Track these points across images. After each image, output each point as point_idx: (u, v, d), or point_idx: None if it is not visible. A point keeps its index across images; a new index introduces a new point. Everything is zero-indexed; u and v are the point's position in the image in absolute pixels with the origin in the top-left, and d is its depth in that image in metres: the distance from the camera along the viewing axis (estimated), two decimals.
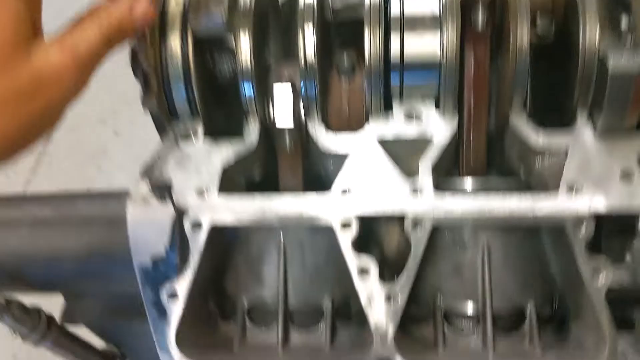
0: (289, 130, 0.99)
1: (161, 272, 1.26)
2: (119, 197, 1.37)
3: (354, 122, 1.05)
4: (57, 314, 1.70)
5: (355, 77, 1.06)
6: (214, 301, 1.08)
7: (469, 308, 1.01)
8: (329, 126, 1.04)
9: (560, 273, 1.01)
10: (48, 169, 4.20)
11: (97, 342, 1.93)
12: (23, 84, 0.76)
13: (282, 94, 1.00)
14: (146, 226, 1.24)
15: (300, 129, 1.02)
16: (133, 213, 1.25)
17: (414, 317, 1.04)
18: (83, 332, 1.81)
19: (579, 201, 0.90)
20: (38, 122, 0.80)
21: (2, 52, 0.75)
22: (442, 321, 1.02)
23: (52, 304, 1.75)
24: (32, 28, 0.79)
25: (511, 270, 1.00)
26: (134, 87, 1.05)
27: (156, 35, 1.02)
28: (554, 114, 1.08)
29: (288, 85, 0.99)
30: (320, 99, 1.03)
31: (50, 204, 1.49)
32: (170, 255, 1.23)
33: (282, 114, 0.98)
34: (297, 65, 1.01)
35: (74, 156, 4.32)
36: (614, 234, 1.02)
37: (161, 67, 1.03)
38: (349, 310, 1.06)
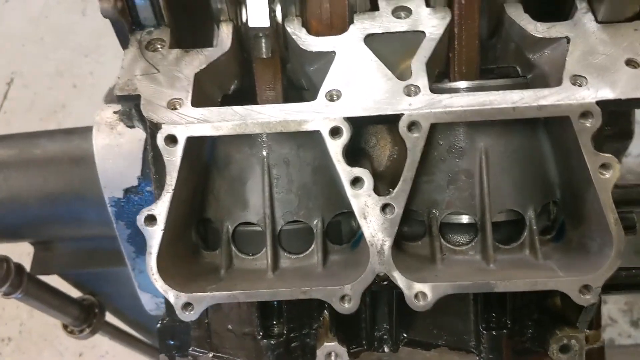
0: (265, 31, 0.89)
1: (135, 203, 1.17)
2: (84, 132, 1.26)
3: (336, 24, 0.96)
4: (26, 265, 1.61)
5: None
6: (196, 231, 1.00)
7: (467, 219, 0.96)
8: (308, 29, 0.95)
9: (560, 178, 0.95)
10: (6, 126, 4.01)
11: (73, 292, 1.85)
12: None
13: None
14: (115, 155, 1.14)
15: (277, 31, 0.92)
16: (100, 141, 1.15)
17: (408, 235, 0.99)
18: (57, 283, 1.73)
19: (584, 92, 0.83)
20: None
21: None
22: (439, 235, 0.96)
23: (21, 254, 1.66)
24: None
25: (510, 176, 0.95)
26: (90, 38, 0.93)
27: None
28: (547, 9, 1.01)
29: None
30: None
31: (10, 145, 1.38)
32: (143, 184, 1.15)
33: (257, 12, 0.88)
34: None
35: (33, 112, 4.13)
36: (607, 138, 0.97)
37: None
38: (339, 233, 0.99)
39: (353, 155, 0.96)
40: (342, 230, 1.01)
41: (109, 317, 1.91)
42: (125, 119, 1.06)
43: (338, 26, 0.95)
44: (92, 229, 1.39)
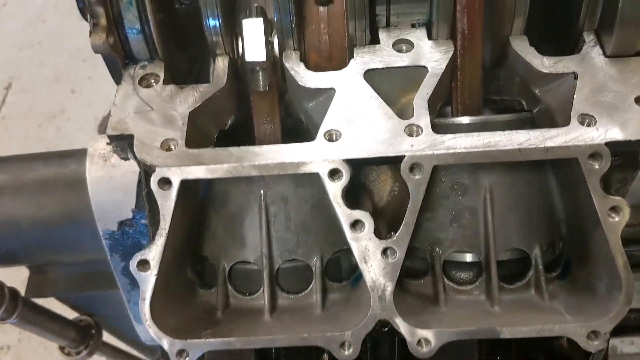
0: (262, 65, 0.86)
1: (129, 236, 1.14)
2: (79, 155, 1.23)
3: (335, 56, 0.93)
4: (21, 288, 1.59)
5: (334, 5, 0.93)
6: (192, 268, 0.97)
7: (471, 257, 0.93)
8: (307, 62, 0.92)
9: (567, 214, 0.93)
10: (5, 132, 3.99)
11: (69, 313, 1.83)
12: None
13: (253, 30, 0.86)
14: (109, 187, 1.11)
15: (275, 63, 0.89)
16: (93, 174, 1.11)
17: (411, 271, 0.96)
18: (53, 305, 1.70)
19: (593, 133, 0.80)
20: None
21: None
22: (442, 274, 0.93)
23: (14, 278, 1.63)
24: None
25: (515, 213, 0.92)
26: (88, 43, 0.90)
27: None
28: (551, 43, 0.98)
29: (259, 21, 0.86)
30: (297, 31, 0.91)
31: (3, 169, 1.35)
32: (138, 217, 1.11)
33: (253, 46, 0.85)
34: None
35: (31, 118, 4.10)
36: (614, 168, 0.94)
37: None
38: (339, 270, 0.96)
39: (353, 189, 0.94)
40: (342, 267, 0.98)
41: (107, 337, 1.89)
42: (119, 151, 1.03)
43: (338, 58, 0.92)
44: (87, 253, 1.36)
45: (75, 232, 1.30)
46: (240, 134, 0.98)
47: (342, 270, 0.97)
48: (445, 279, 0.95)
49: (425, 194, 0.86)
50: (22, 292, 1.58)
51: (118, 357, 1.92)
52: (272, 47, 0.91)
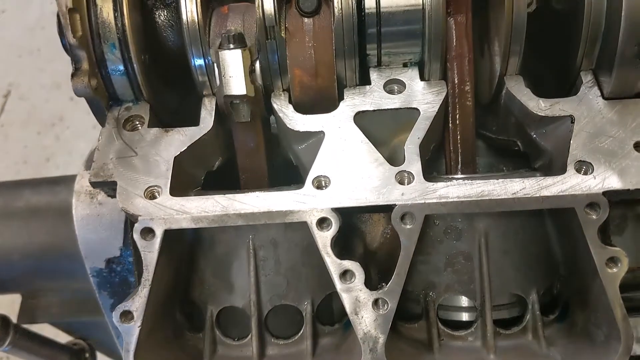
0: (243, 99, 0.83)
1: (117, 273, 1.12)
2: (69, 182, 1.21)
3: (321, 74, 0.88)
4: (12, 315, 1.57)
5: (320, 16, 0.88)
6: (181, 311, 0.95)
7: (466, 303, 0.90)
8: (291, 79, 0.88)
9: (565, 257, 0.90)
10: (4, 140, 3.97)
11: (63, 337, 1.81)
12: None
13: (231, 63, 0.83)
14: (96, 225, 1.08)
15: (257, 94, 0.86)
16: (80, 211, 1.09)
17: (404, 315, 0.93)
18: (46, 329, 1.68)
19: (590, 181, 0.77)
20: None
21: None
22: (436, 319, 0.91)
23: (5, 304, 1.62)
24: None
25: (512, 258, 0.89)
26: None
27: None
28: (549, 83, 0.96)
29: (237, 53, 0.82)
30: (281, 65, 0.88)
31: None
32: (126, 255, 1.09)
33: (233, 81, 0.82)
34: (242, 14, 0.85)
35: (30, 125, 4.08)
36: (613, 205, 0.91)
37: (92, 38, 0.85)
38: (331, 311, 0.94)
39: (344, 231, 0.91)
40: (334, 308, 0.95)
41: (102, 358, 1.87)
42: (106, 188, 1.00)
43: (324, 76, 0.88)
44: (78, 282, 1.34)
45: (65, 262, 1.28)
46: (231, 172, 0.96)
47: (335, 312, 0.95)
48: (440, 324, 0.92)
49: (419, 238, 0.83)
50: (14, 319, 1.56)
51: None
52: (254, 76, 0.87)
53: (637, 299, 0.94)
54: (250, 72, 0.84)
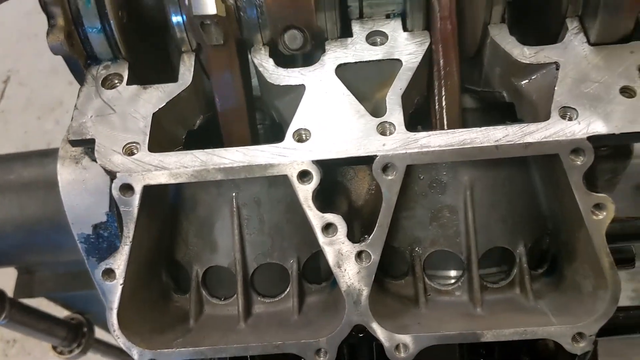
0: (214, 19, 0.79)
1: (105, 239, 1.11)
2: (57, 155, 1.21)
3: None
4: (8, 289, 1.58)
5: None
6: (167, 272, 0.94)
7: (452, 257, 0.89)
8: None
9: (551, 210, 0.89)
10: (4, 126, 3.97)
11: (61, 312, 1.82)
12: None
13: None
14: (81, 191, 1.07)
15: (230, 15, 0.82)
16: (65, 177, 1.08)
17: (390, 272, 0.92)
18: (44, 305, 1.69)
19: (575, 127, 0.76)
20: None
21: None
22: (422, 274, 0.90)
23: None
24: None
25: (498, 211, 0.88)
26: None
27: None
28: (535, 32, 0.93)
29: None
30: (260, 19, 0.86)
31: None
32: (112, 220, 1.08)
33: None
34: None
35: (30, 110, 4.08)
36: (604, 158, 0.90)
37: None
38: (318, 270, 0.93)
39: (329, 188, 0.90)
40: (322, 267, 0.95)
41: (100, 334, 1.88)
42: (91, 152, 0.99)
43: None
44: (71, 254, 1.34)
45: (57, 234, 1.28)
46: (213, 135, 0.95)
47: (322, 270, 0.94)
48: (426, 279, 0.91)
49: (402, 192, 0.82)
50: (10, 294, 1.57)
51: (112, 354, 1.91)
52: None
53: (625, 250, 0.93)
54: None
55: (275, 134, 0.95)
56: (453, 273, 0.91)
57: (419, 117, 0.93)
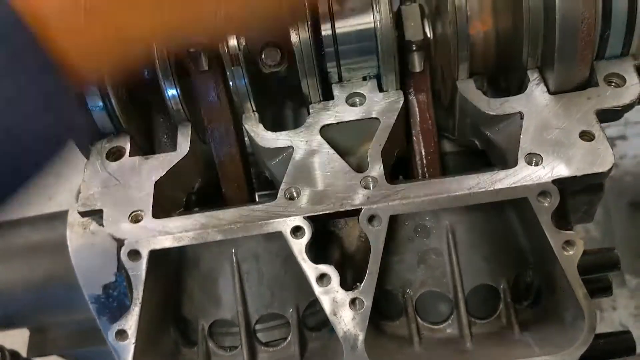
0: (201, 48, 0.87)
1: (114, 298, 1.18)
2: (64, 218, 1.27)
3: None
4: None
5: None
6: (175, 327, 1.00)
7: (441, 297, 0.95)
8: None
9: (530, 247, 0.95)
10: None
11: None
12: None
13: None
14: (91, 254, 1.15)
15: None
16: (74, 242, 1.16)
17: (386, 314, 0.98)
18: None
19: (540, 172, 0.83)
20: None
21: None
22: (415, 314, 0.96)
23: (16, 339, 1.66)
24: None
25: (479, 251, 0.95)
26: None
27: None
28: (504, 83, 1.02)
29: None
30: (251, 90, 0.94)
31: None
32: (120, 280, 1.15)
33: None
34: None
35: None
36: (579, 192, 0.96)
37: None
38: (317, 317, 0.99)
39: (322, 239, 0.97)
40: (321, 315, 1.00)
41: None
42: (98, 218, 1.06)
43: None
44: (82, 313, 1.40)
45: (67, 294, 1.34)
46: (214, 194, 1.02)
47: (320, 317, 1.00)
48: (419, 319, 0.97)
49: (391, 238, 0.89)
50: (24, 354, 1.61)
51: None
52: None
53: (602, 279, 0.99)
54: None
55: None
56: (443, 311, 0.97)
57: (401, 167, 1.01)
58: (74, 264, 1.15)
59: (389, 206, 0.84)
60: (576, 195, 0.96)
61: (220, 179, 0.99)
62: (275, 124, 1.05)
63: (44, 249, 1.36)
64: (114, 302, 1.17)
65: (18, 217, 1.46)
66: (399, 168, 1.01)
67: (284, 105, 1.09)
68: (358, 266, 0.97)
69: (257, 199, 1.09)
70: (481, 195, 0.83)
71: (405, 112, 0.95)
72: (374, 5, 0.91)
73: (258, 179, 1.09)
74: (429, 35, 0.97)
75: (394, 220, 0.88)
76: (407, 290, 0.97)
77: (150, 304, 0.90)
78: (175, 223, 0.86)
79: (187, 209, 1.00)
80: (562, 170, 0.83)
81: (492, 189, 0.83)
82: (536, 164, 0.84)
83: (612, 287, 1.00)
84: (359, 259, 0.99)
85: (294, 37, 0.90)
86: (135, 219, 0.88)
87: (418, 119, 0.99)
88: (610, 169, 0.83)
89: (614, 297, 2.47)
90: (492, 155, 0.95)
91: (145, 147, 1.01)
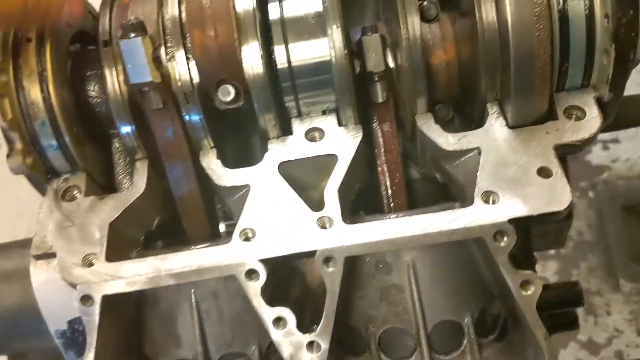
0: (151, 86, 0.85)
1: (80, 332, 1.16)
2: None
3: (220, 32, 0.91)
4: None
5: None
6: None
7: (404, 333, 0.94)
8: (192, 42, 0.90)
9: (494, 280, 0.94)
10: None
11: None
12: None
13: (132, 51, 0.84)
14: (55, 289, 1.12)
15: (164, 79, 0.88)
16: (37, 278, 1.14)
17: (350, 349, 0.97)
18: None
19: (496, 211, 0.81)
20: None
21: None
22: (377, 351, 0.95)
23: None
24: None
25: (441, 286, 0.93)
26: None
27: (10, 83, 0.90)
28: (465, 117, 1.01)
29: (137, 41, 0.84)
30: (209, 130, 0.93)
31: None
32: None
33: (136, 68, 0.83)
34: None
35: (23, 178, 4.15)
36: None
37: (23, 118, 0.91)
38: (280, 354, 0.98)
39: (285, 274, 0.95)
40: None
41: None
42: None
43: (223, 34, 0.90)
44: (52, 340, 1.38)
45: (40, 322, 1.32)
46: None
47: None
48: (383, 355, 0.96)
49: (352, 274, 0.88)
50: None
51: None
52: (160, 62, 0.89)
53: (568, 312, 0.98)
54: (154, 59, 0.86)
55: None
56: (407, 347, 0.96)
57: (364, 197, 1.00)
58: (37, 300, 1.13)
59: (344, 247, 0.83)
60: (543, 224, 0.95)
61: (181, 215, 0.97)
62: (240, 157, 1.03)
63: (15, 276, 1.34)
64: (79, 336, 1.15)
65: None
66: (363, 196, 0.99)
67: (248, 137, 1.07)
68: (320, 302, 0.96)
69: (222, 229, 1.08)
70: (437, 236, 0.82)
71: (366, 146, 0.94)
72: (329, 38, 0.89)
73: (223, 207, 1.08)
74: (390, 65, 0.95)
75: (354, 257, 0.87)
76: (370, 327, 0.95)
77: (108, 346, 0.89)
78: (128, 267, 0.85)
79: (148, 243, 0.99)
80: (519, 210, 0.82)
81: (447, 229, 0.81)
82: (493, 202, 0.83)
83: (578, 320, 0.99)
84: (321, 295, 0.97)
85: (248, 72, 0.89)
86: (89, 262, 0.87)
87: (382, 149, 0.97)
88: (568, 207, 0.82)
89: (608, 301, 2.46)
90: (452, 189, 0.94)
91: (104, 181, 0.99)
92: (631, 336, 3.16)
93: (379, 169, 0.98)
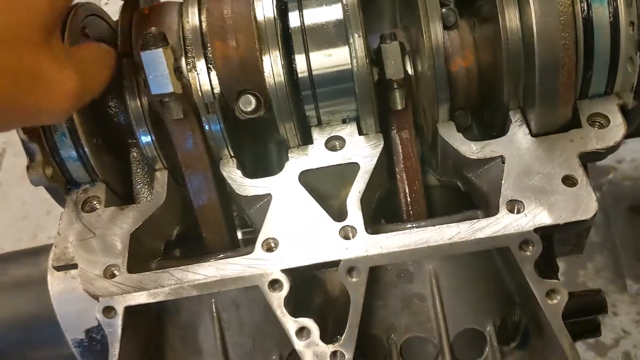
0: (172, 96, 0.85)
1: (98, 342, 1.16)
2: (47, 253, 1.26)
3: (241, 43, 0.91)
4: None
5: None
6: None
7: (426, 342, 0.94)
8: (213, 53, 0.90)
9: (517, 288, 0.93)
10: (3, 198, 4.03)
11: None
12: (22, 70, 0.69)
13: (153, 61, 0.83)
14: (72, 299, 1.13)
15: (186, 89, 0.88)
16: (55, 287, 1.14)
17: (371, 358, 0.96)
18: None
19: (522, 220, 0.81)
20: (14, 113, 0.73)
21: (28, 27, 0.68)
22: (399, 359, 0.94)
23: None
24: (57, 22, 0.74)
25: (463, 295, 0.93)
26: None
27: None
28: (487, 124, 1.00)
29: (159, 52, 0.83)
30: (229, 139, 0.93)
31: None
32: None
33: (157, 79, 0.83)
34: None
35: (27, 181, 4.14)
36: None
37: (44, 130, 0.90)
38: None
39: (306, 283, 0.95)
40: None
41: None
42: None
43: (244, 45, 0.90)
44: (66, 349, 1.38)
45: (54, 329, 1.32)
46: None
47: None
48: None
49: (374, 283, 0.88)
50: None
51: None
52: (181, 73, 0.89)
53: (591, 322, 0.97)
54: (175, 69, 0.86)
55: None
56: (429, 356, 0.95)
57: (381, 203, 0.99)
58: (55, 309, 1.13)
59: (368, 257, 0.83)
60: (565, 231, 0.94)
61: (200, 224, 0.97)
62: (258, 167, 1.03)
63: (29, 284, 1.34)
64: (97, 345, 1.15)
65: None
66: (380, 202, 0.99)
67: (267, 147, 1.07)
68: (341, 311, 0.96)
69: (240, 237, 1.07)
70: (462, 246, 0.81)
71: (386, 154, 0.93)
72: (350, 47, 0.89)
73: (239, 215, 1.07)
74: (410, 72, 0.95)
75: (376, 266, 0.86)
76: (392, 336, 0.95)
77: (130, 357, 0.88)
78: (150, 278, 0.85)
79: (167, 252, 0.98)
80: (544, 219, 0.81)
81: (472, 238, 0.81)
82: (518, 212, 0.82)
83: (600, 327, 0.98)
84: (341, 304, 0.97)
85: (269, 82, 0.89)
86: (111, 273, 0.86)
87: (401, 157, 0.97)
88: (594, 216, 0.81)
89: (615, 302, 2.46)
90: (475, 198, 0.93)
91: (122, 191, 0.99)
92: (638, 337, 3.15)
93: (398, 176, 0.97)
